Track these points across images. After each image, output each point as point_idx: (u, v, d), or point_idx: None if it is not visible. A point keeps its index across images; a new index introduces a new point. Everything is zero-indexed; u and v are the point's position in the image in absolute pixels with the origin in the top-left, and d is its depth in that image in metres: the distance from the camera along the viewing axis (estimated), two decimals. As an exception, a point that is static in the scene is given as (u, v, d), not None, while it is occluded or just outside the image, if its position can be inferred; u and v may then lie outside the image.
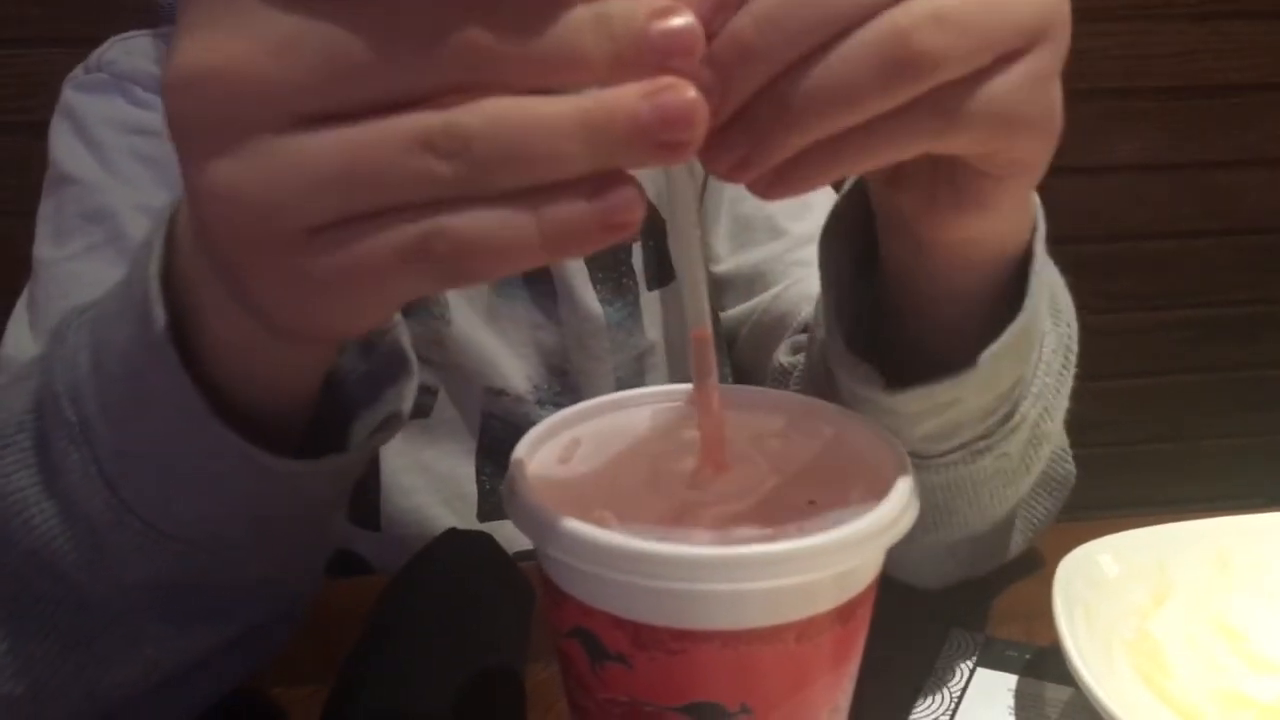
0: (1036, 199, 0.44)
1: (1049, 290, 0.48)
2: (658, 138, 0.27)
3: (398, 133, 0.27)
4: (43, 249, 0.68)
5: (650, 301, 0.76)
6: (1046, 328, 0.47)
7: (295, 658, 0.49)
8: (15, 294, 0.68)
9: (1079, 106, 1.29)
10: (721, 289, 0.80)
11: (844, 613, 0.34)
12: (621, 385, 0.74)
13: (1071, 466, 0.60)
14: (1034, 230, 0.43)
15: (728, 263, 0.80)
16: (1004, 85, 0.32)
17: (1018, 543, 0.59)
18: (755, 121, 0.30)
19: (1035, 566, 0.60)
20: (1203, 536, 0.56)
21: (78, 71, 0.74)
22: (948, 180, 0.37)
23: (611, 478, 0.37)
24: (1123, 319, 1.48)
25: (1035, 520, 0.59)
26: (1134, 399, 1.51)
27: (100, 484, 0.38)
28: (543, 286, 0.73)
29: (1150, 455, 1.54)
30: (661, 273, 0.77)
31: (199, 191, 0.29)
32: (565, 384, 0.74)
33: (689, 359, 0.36)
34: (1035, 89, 0.33)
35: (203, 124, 0.28)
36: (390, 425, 0.42)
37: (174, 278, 0.36)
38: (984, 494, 0.49)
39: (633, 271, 0.76)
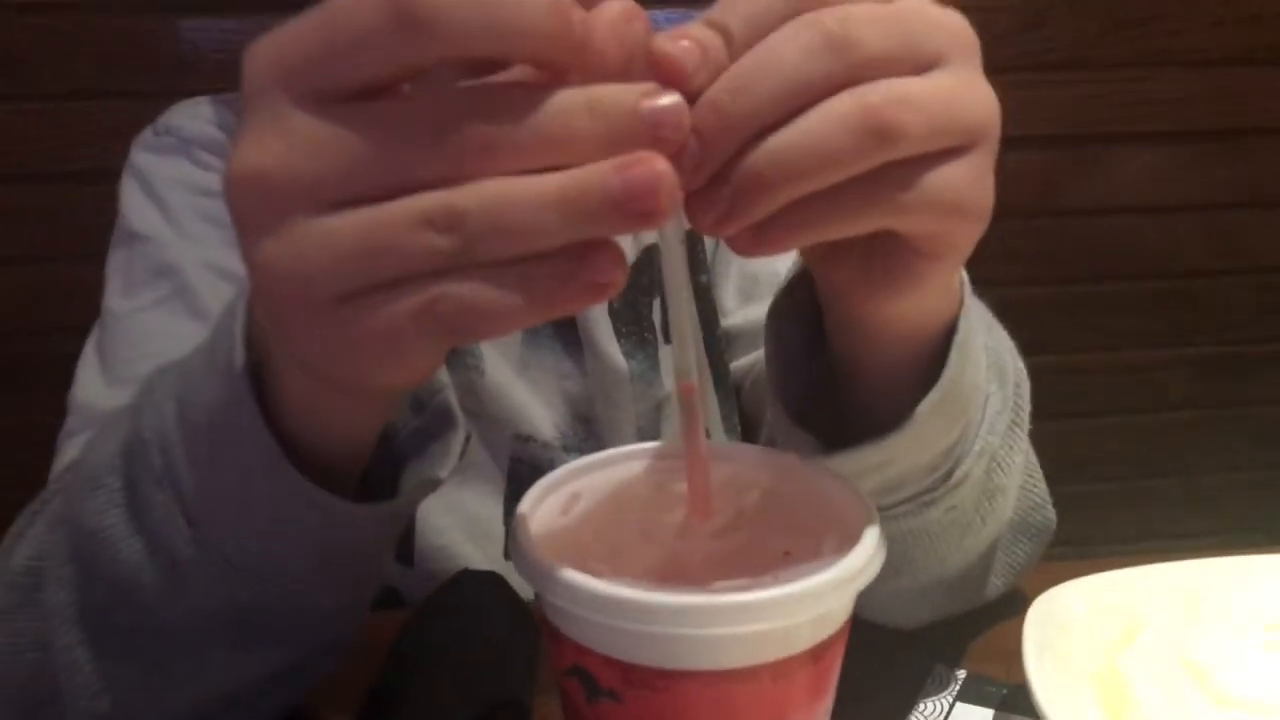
0: (965, 277, 0.48)
1: (993, 356, 0.52)
2: (629, 207, 0.30)
3: (404, 213, 0.31)
4: (113, 300, 0.73)
5: (668, 354, 0.80)
6: (991, 390, 0.51)
7: (325, 687, 0.53)
8: (67, 330, 0.73)
9: (1079, 149, 1.34)
10: (731, 341, 0.83)
11: (817, 653, 0.38)
12: (642, 433, 0.78)
13: (1050, 514, 0.63)
14: (961, 305, 0.47)
15: (736, 316, 0.84)
16: (954, 173, 0.36)
17: (997, 585, 0.62)
18: (735, 180, 0.33)
19: (1019, 605, 0.63)
20: (1173, 578, 0.59)
21: (146, 134, 0.79)
22: (882, 256, 0.40)
23: (606, 530, 0.41)
24: (1126, 356, 1.51)
25: (1015, 564, 0.63)
26: (1138, 435, 1.54)
27: (182, 523, 0.43)
28: (570, 339, 0.77)
29: (1154, 491, 1.56)
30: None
31: (251, 267, 0.34)
32: (590, 431, 0.78)
33: (677, 409, 0.40)
34: (978, 180, 0.36)
35: (252, 212, 0.33)
36: (437, 476, 0.47)
37: (252, 340, 0.41)
38: (940, 544, 0.53)
39: (653, 325, 0.80)
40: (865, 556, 0.38)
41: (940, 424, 0.47)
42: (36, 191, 1.25)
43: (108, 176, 0.79)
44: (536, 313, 0.32)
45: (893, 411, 0.47)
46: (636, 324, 0.79)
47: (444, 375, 0.50)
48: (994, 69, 1.17)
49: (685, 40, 0.33)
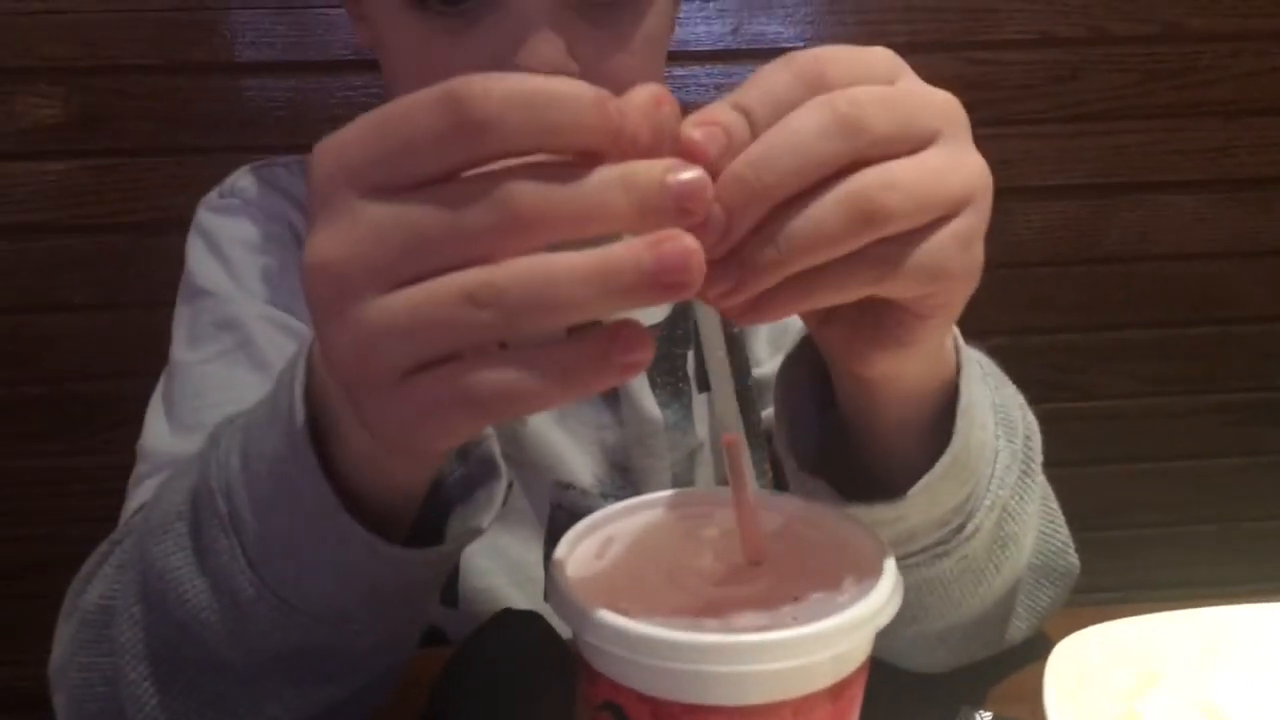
0: (959, 341, 0.50)
1: (1001, 413, 0.55)
2: (661, 280, 0.33)
3: (450, 289, 0.34)
4: (179, 351, 0.76)
5: (700, 403, 0.83)
6: (1000, 445, 0.53)
7: (370, 723, 0.56)
8: (129, 374, 0.77)
9: (1117, 198, 1.35)
10: (761, 390, 0.86)
11: (837, 691, 0.40)
12: (677, 480, 0.81)
13: (1073, 559, 0.65)
14: (959, 369, 0.49)
15: (766, 366, 0.86)
16: (939, 241, 0.39)
17: (1020, 629, 0.64)
18: (745, 257, 0.37)
19: (1045, 648, 0.64)
20: (1193, 625, 0.60)
21: (212, 196, 0.83)
22: (873, 317, 0.43)
23: (638, 572, 0.44)
24: (1166, 403, 1.51)
25: (1039, 609, 0.64)
26: (1178, 481, 1.53)
27: (244, 565, 0.47)
28: (608, 391, 0.80)
29: (1195, 537, 1.55)
30: (708, 377, 0.83)
31: (325, 348, 0.37)
32: (627, 479, 0.80)
33: (722, 462, 0.43)
34: (962, 246, 0.39)
35: (325, 297, 0.36)
36: (480, 523, 0.50)
37: (312, 394, 0.45)
38: (954, 592, 0.55)
39: (687, 376, 0.83)
40: (882, 598, 0.40)
41: (950, 486, 0.50)
42: (103, 242, 1.31)
43: (172, 228, 0.84)
44: (568, 394, 0.35)
45: (905, 464, 0.49)
46: (672, 375, 0.81)
47: (488, 427, 0.53)
48: (1030, 120, 1.19)
49: (712, 125, 0.36)
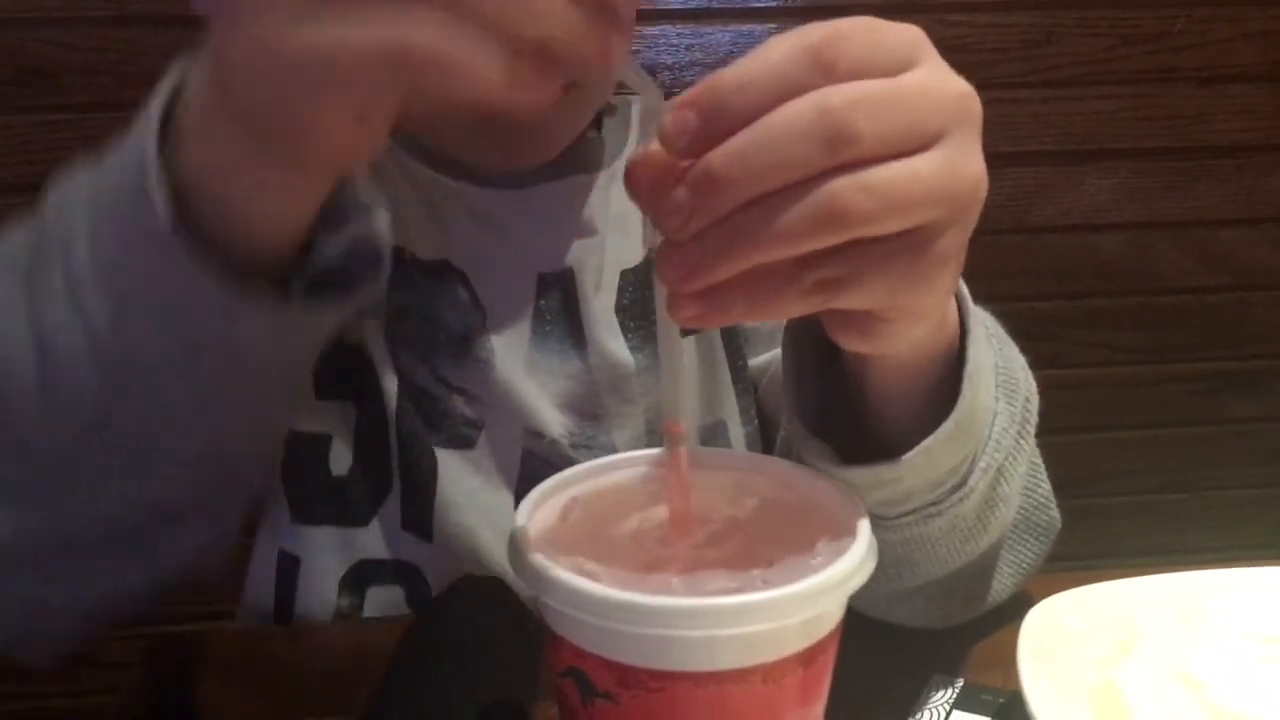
0: (966, 302, 0.49)
1: (1004, 374, 0.53)
2: None
3: None
4: None
5: None
6: (999, 407, 0.52)
7: (328, 691, 0.54)
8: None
9: (1088, 164, 1.34)
10: (748, 339, 0.85)
11: (808, 656, 0.39)
12: (650, 426, 0.79)
13: (1055, 513, 0.64)
14: (966, 331, 0.48)
15: None
16: (906, 254, 0.37)
17: (1006, 586, 0.63)
18: (709, 242, 0.35)
19: (1019, 613, 0.64)
20: (1169, 589, 0.59)
21: None
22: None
23: (602, 535, 0.42)
24: (1134, 372, 1.51)
25: (1024, 565, 0.63)
26: (1146, 450, 1.54)
27: (62, 289, 0.43)
28: (577, 339, 0.78)
29: (1162, 505, 1.56)
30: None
31: None
32: (598, 427, 0.78)
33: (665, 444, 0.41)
34: (934, 260, 0.38)
35: None
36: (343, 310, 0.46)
37: (170, 117, 0.42)
38: (940, 549, 0.54)
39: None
40: (855, 562, 0.39)
41: (951, 448, 0.48)
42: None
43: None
44: (508, 87, 0.33)
45: (907, 423, 0.48)
46: (644, 319, 0.79)
47: (379, 210, 0.48)
48: (1002, 85, 1.18)
49: (684, 110, 0.35)
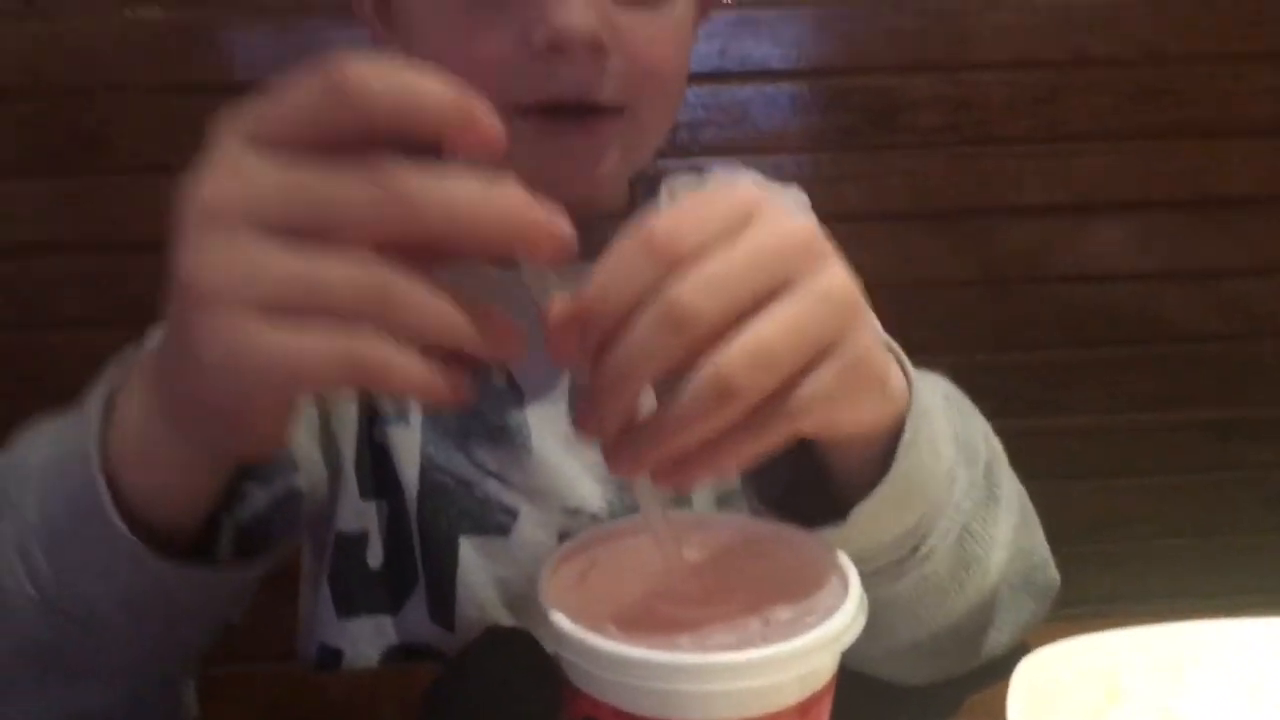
0: (910, 374, 0.52)
1: (962, 441, 0.57)
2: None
3: (344, 260, 0.37)
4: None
5: None
6: (959, 473, 0.56)
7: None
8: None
9: (1093, 217, 1.37)
10: None
11: (804, 707, 0.42)
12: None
13: (1053, 574, 0.67)
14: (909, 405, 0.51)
15: None
16: (807, 391, 0.42)
17: (1002, 642, 0.65)
18: (635, 435, 0.42)
19: (1011, 664, 0.66)
20: (1158, 641, 0.61)
21: None
22: None
23: (618, 594, 0.46)
24: (1144, 419, 1.54)
25: (1022, 622, 0.66)
26: (1157, 496, 1.56)
27: (12, 551, 0.49)
28: None
29: (1171, 550, 1.58)
30: None
31: (184, 265, 0.39)
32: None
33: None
34: (837, 385, 0.42)
35: (196, 223, 0.38)
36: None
37: (113, 396, 0.47)
38: (917, 608, 0.57)
39: None
40: (846, 619, 0.42)
41: (894, 512, 0.53)
42: (101, 259, 1.34)
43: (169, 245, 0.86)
44: (441, 394, 0.38)
45: (860, 488, 0.52)
46: None
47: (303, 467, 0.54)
48: (1011, 140, 1.22)
49: (557, 331, 0.41)
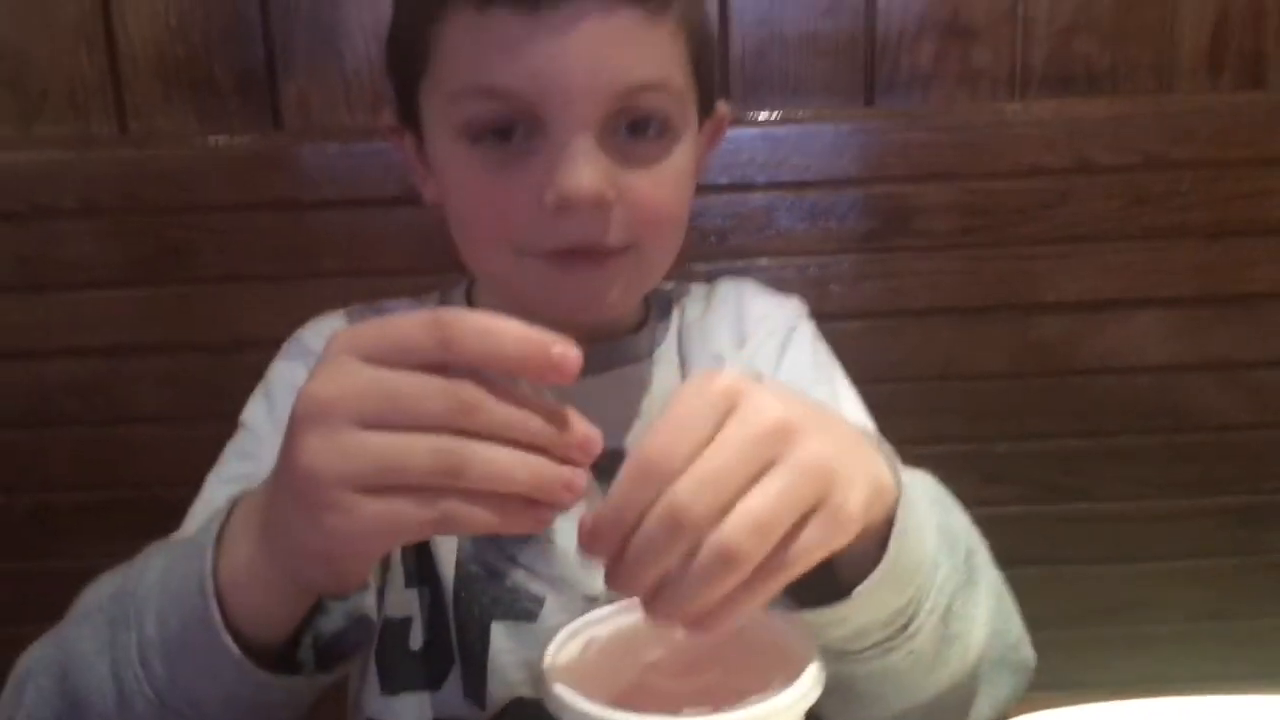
0: (898, 472, 0.60)
1: (944, 532, 0.65)
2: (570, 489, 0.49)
3: (421, 440, 0.47)
4: (209, 474, 0.88)
5: None
6: (941, 559, 0.63)
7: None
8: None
9: (1106, 313, 1.44)
10: None
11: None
12: None
13: (1028, 652, 0.74)
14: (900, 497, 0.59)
15: None
16: (814, 534, 0.51)
17: (984, 714, 0.72)
18: (659, 602, 0.50)
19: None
20: (1143, 717, 0.66)
21: (289, 339, 0.95)
22: None
23: (612, 670, 0.55)
24: (1164, 505, 1.57)
25: (1000, 698, 0.73)
26: (1178, 581, 1.59)
27: (135, 660, 0.58)
28: None
29: (1190, 633, 1.61)
30: None
31: (295, 457, 0.48)
32: None
33: None
34: (824, 536, 0.51)
35: (307, 420, 0.49)
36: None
37: (224, 539, 0.57)
38: (906, 679, 0.65)
39: None
40: (804, 688, 0.51)
41: (889, 592, 0.60)
42: (185, 360, 1.46)
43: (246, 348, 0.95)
44: (519, 529, 0.49)
45: (858, 571, 0.59)
46: None
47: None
48: (1022, 242, 1.32)
49: (589, 539, 0.50)
